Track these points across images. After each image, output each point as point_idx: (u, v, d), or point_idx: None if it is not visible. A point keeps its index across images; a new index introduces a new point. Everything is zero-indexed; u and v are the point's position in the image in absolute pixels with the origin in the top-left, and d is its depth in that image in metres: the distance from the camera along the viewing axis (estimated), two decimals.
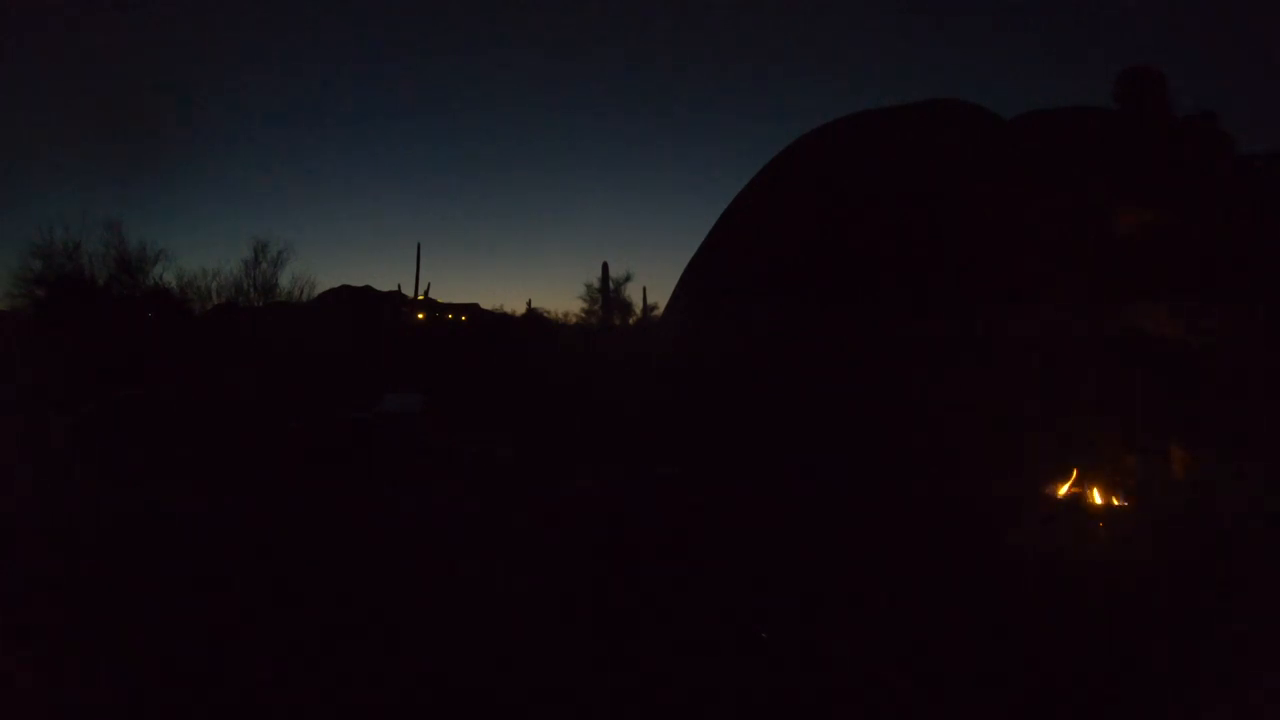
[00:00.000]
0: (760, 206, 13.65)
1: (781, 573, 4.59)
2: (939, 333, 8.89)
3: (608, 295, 22.61)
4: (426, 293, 21.98)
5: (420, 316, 20.89)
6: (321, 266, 64.63)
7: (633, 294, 24.79)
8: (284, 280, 17.64)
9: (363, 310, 20.02)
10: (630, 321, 22.97)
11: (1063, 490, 6.04)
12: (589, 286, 23.43)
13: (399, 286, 23.46)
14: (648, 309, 22.95)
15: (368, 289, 23.68)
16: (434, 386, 12.31)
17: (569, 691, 3.19)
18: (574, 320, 23.29)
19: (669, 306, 15.42)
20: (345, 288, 23.30)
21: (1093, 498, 5.92)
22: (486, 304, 24.99)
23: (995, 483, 6.16)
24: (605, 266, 22.32)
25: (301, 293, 17.90)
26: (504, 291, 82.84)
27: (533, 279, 54.73)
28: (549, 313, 23.85)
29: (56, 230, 15.67)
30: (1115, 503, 5.83)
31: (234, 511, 5.96)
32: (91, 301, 15.41)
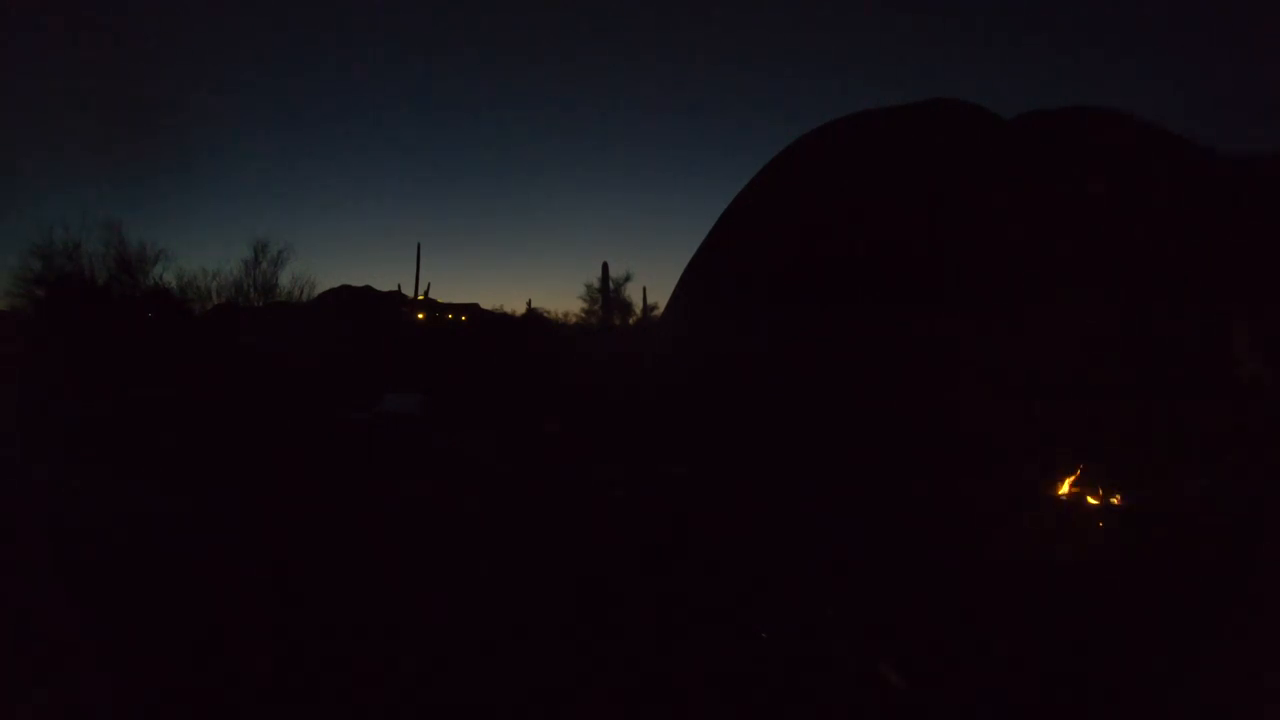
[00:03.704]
0: (760, 206, 13.65)
1: (782, 572, 4.59)
2: (939, 333, 8.89)
3: (608, 295, 22.65)
4: (426, 293, 22.01)
5: (420, 316, 20.90)
6: (321, 266, 64.60)
7: (633, 294, 24.88)
8: (284, 280, 17.73)
9: (363, 310, 20.04)
10: (630, 321, 23.00)
11: (1063, 490, 6.04)
12: (589, 286, 23.48)
13: (399, 286, 23.50)
14: (648, 309, 23.00)
15: (368, 289, 23.70)
16: (434, 386, 12.31)
17: (569, 689, 3.19)
18: (574, 320, 23.34)
19: (669, 306, 15.42)
20: (345, 288, 23.33)
21: (1093, 497, 5.92)
22: (486, 304, 25.03)
23: (995, 482, 6.16)
24: (605, 266, 22.38)
25: (301, 293, 17.96)
26: (504, 291, 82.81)
27: (533, 279, 54.81)
28: (549, 313, 23.89)
29: (56, 230, 15.76)
30: (1115, 503, 5.83)
31: (233, 512, 5.96)
32: (91, 301, 15.42)
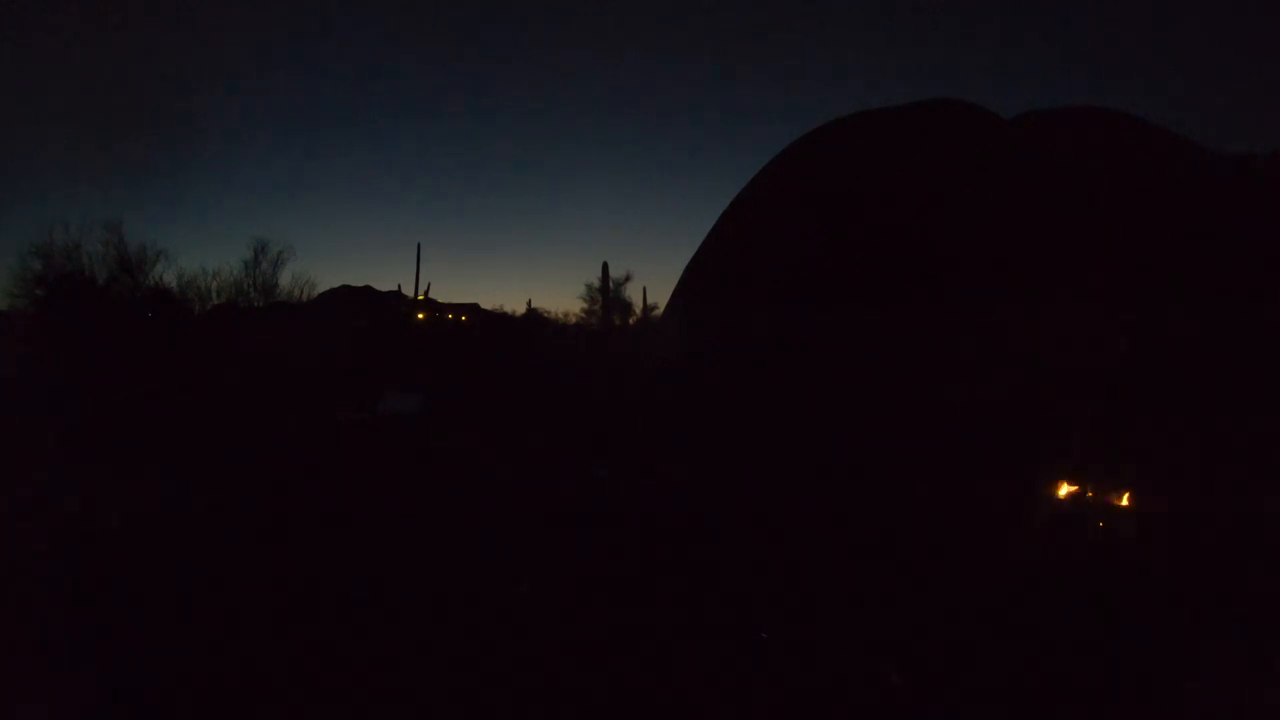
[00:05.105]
0: (760, 207, 13.65)
1: (782, 573, 4.59)
2: (939, 333, 8.89)
3: (608, 295, 22.60)
4: (426, 293, 22.01)
5: (420, 316, 20.90)
6: (321, 266, 64.70)
7: (633, 294, 24.84)
8: (284, 280, 17.67)
9: (363, 310, 20.04)
10: (630, 321, 22.99)
11: (1063, 490, 6.03)
12: (589, 286, 23.45)
13: (399, 286, 23.51)
14: (648, 309, 22.98)
15: (368, 289, 23.74)
16: (434, 386, 12.31)
17: (568, 690, 3.19)
18: (574, 320, 23.32)
19: (669, 306, 15.42)
20: (345, 288, 23.37)
21: (1093, 498, 5.91)
22: (486, 304, 25.06)
23: (995, 482, 6.15)
24: (605, 266, 22.30)
25: (301, 293, 17.92)
26: (504, 291, 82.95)
27: (533, 279, 54.89)
28: (549, 313, 23.90)
29: (56, 230, 15.66)
30: (1116, 503, 5.82)
31: (234, 511, 5.96)
32: (91, 301, 15.39)
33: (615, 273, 23.04)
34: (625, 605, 4.09)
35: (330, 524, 5.67)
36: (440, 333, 19.66)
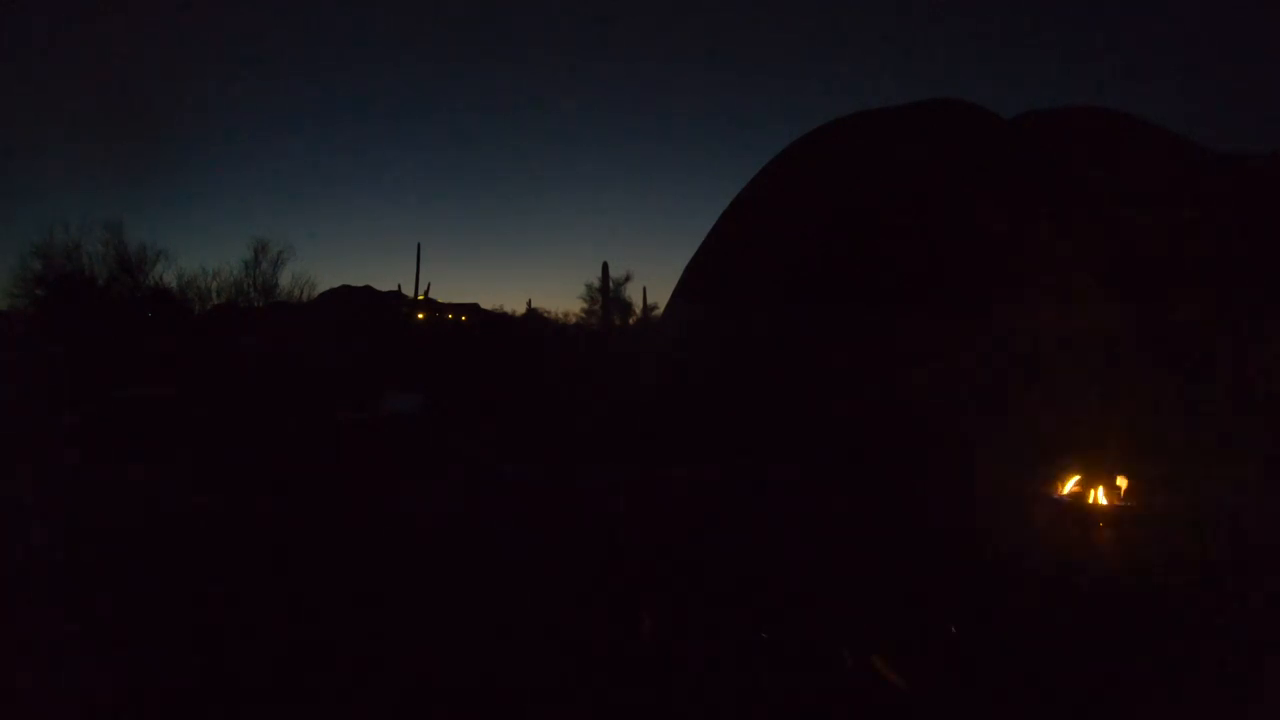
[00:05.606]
0: (759, 207, 13.65)
1: (781, 574, 4.59)
2: (939, 333, 8.89)
3: (608, 295, 22.63)
4: (426, 293, 22.03)
5: (420, 316, 20.93)
6: (321, 266, 64.68)
7: (633, 294, 24.88)
8: (284, 280, 17.74)
9: (363, 310, 20.06)
10: (630, 321, 23.03)
11: (1063, 490, 6.04)
12: (589, 286, 23.50)
13: (399, 286, 23.53)
14: (648, 309, 23.02)
15: (368, 289, 23.77)
16: (434, 386, 12.31)
17: (568, 693, 3.19)
18: (574, 320, 23.36)
19: (669, 307, 15.42)
20: (345, 288, 23.39)
21: (1094, 498, 5.91)
22: (486, 304, 25.09)
23: (995, 482, 6.16)
24: (605, 266, 22.31)
25: (301, 293, 17.98)
26: (504, 291, 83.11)
27: (533, 279, 54.99)
28: (549, 313, 23.95)
29: (56, 230, 15.72)
30: (1116, 503, 5.83)
31: (234, 512, 5.96)
32: (91, 301, 15.42)
33: (615, 273, 23.08)
34: (624, 605, 4.09)
35: (330, 524, 5.67)
36: (440, 333, 19.68)
